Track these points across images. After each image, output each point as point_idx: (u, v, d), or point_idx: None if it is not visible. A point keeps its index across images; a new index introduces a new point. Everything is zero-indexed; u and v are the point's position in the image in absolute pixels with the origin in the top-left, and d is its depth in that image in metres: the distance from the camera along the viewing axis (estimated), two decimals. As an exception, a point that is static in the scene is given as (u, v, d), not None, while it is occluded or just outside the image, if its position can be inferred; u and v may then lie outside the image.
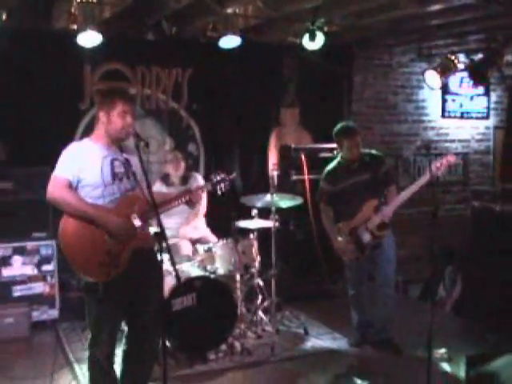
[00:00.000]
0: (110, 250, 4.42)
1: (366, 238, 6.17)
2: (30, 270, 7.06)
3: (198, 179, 7.07)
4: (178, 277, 4.28)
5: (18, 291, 7.01)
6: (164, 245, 4.17)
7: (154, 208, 4.28)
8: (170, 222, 6.71)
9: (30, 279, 7.07)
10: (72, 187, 4.45)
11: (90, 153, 4.54)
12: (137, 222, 4.51)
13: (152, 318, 4.62)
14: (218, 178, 5.04)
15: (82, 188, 4.48)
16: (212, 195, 5.43)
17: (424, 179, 5.89)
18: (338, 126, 6.34)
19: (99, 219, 4.41)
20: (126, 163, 4.60)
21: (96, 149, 4.57)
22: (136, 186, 4.57)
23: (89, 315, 4.64)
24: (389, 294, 6.36)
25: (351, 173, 6.27)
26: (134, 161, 4.52)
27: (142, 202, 4.50)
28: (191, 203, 4.94)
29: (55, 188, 4.42)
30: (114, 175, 4.55)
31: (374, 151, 6.46)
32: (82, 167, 4.46)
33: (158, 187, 6.93)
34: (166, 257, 5.01)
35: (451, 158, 5.92)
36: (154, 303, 4.60)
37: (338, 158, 6.41)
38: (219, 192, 5.06)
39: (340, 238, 6.25)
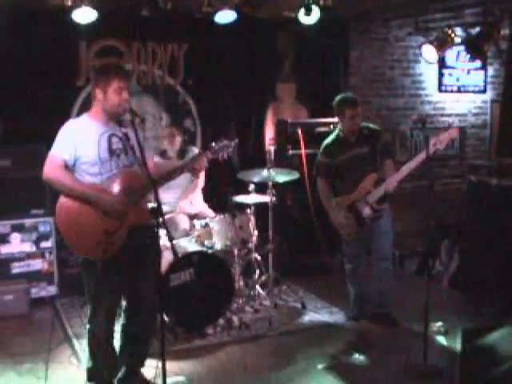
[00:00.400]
0: (107, 229, 4.45)
1: (366, 211, 6.16)
2: (29, 247, 7.09)
3: (196, 152, 7.05)
4: (175, 252, 4.31)
5: (16, 268, 7.05)
6: (161, 220, 4.19)
7: (152, 183, 4.30)
8: (168, 196, 6.72)
9: (29, 256, 7.09)
10: (68, 167, 4.48)
11: (87, 130, 4.55)
12: (133, 198, 4.53)
13: (150, 294, 4.66)
14: (220, 144, 5.03)
15: (79, 165, 4.50)
16: (210, 169, 5.41)
17: (427, 152, 5.85)
18: (339, 96, 6.31)
19: (92, 198, 4.43)
20: (125, 138, 4.60)
21: (93, 125, 4.58)
22: (134, 161, 4.59)
23: (87, 291, 4.68)
24: (386, 267, 6.37)
25: (350, 146, 6.25)
26: (133, 135, 4.51)
27: (140, 177, 4.52)
28: (195, 171, 4.94)
29: (50, 168, 4.45)
30: (112, 152, 4.56)
31: (371, 125, 6.44)
32: (79, 145, 4.47)
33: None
34: (163, 232, 5.07)
35: (454, 132, 5.89)
36: (151, 279, 4.64)
37: (337, 132, 6.38)
38: (220, 159, 5.04)
39: (338, 213, 6.25)
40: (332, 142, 6.36)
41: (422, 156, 5.85)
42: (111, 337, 4.77)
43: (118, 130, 4.62)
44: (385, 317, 6.41)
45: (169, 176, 4.84)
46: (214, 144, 5.03)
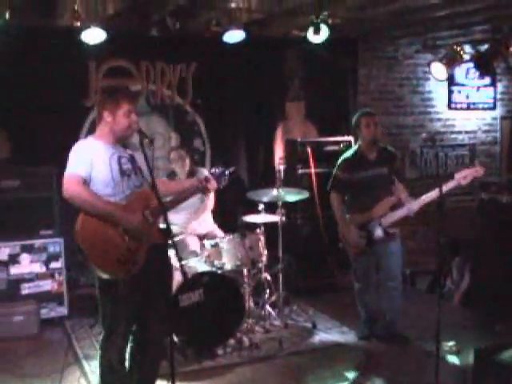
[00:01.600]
0: (129, 247, 4.40)
1: (379, 233, 6.13)
2: (38, 268, 7.08)
3: (205, 174, 7.04)
4: (184, 272, 4.28)
5: (26, 289, 7.03)
6: (170, 241, 4.18)
7: (160, 204, 4.30)
8: (178, 217, 6.72)
9: (38, 277, 7.08)
10: (86, 184, 4.43)
11: (96, 151, 4.51)
12: (150, 219, 4.52)
13: (163, 316, 4.62)
14: (218, 171, 4.99)
15: (93, 186, 4.45)
16: (218, 190, 5.39)
17: (451, 184, 5.87)
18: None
19: (116, 217, 4.39)
20: (132, 160, 4.60)
21: (102, 147, 4.54)
22: (144, 182, 4.58)
23: (103, 315, 4.60)
24: (395, 286, 6.32)
25: (370, 165, 6.23)
26: (139, 157, 4.50)
27: (152, 197, 4.50)
28: (207, 190, 4.90)
29: (70, 185, 4.36)
30: (123, 172, 4.54)
31: (389, 147, 6.44)
32: (93, 164, 4.44)
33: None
34: (172, 253, 5.05)
35: (480, 171, 5.93)
36: (163, 299, 4.61)
37: (356, 147, 6.37)
38: (220, 186, 5.01)
39: (350, 229, 6.20)
40: (352, 157, 6.31)
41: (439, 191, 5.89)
42: (123, 360, 4.72)
43: (124, 151, 4.62)
44: (396, 336, 6.36)
45: (179, 200, 4.83)
46: (213, 170, 4.98)
